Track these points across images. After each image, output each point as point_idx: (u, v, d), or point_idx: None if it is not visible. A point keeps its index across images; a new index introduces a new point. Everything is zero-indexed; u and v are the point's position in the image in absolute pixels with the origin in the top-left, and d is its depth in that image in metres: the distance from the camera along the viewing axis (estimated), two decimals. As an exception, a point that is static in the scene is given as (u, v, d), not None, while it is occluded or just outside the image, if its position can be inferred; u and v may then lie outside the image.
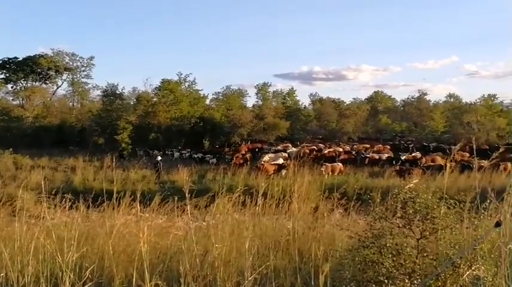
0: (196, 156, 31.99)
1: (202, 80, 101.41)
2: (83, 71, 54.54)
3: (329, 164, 24.18)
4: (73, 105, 55.37)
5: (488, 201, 4.38)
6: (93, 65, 54.38)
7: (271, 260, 4.65)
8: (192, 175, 22.25)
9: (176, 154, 33.36)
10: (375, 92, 57.96)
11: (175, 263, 4.73)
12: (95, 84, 55.60)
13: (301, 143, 36.69)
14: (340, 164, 25.00)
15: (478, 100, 46.31)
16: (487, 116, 39.69)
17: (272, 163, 25.46)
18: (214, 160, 28.98)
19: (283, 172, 21.92)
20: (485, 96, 46.69)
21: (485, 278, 3.49)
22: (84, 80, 55.34)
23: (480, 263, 3.55)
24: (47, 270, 4.44)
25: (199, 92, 43.59)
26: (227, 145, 37.42)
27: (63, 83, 55.33)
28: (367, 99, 55.76)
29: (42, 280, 4.33)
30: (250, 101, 56.80)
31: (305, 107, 53.35)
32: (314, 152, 30.33)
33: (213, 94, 52.18)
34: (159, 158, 27.01)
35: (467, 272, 3.51)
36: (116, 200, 6.31)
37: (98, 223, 6.41)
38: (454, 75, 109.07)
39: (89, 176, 23.10)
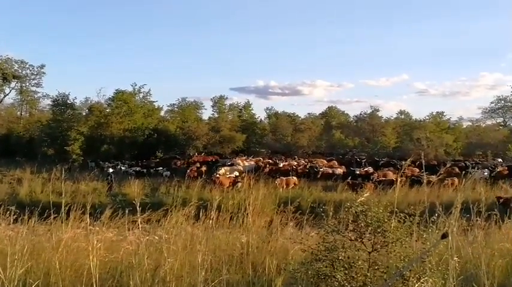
0: (132, 170, 30.71)
1: (158, 91, 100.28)
2: (33, 79, 52.35)
3: (284, 178, 24.33)
4: (21, 114, 53.30)
5: (436, 215, 4.51)
6: (44, 73, 52.31)
7: (224, 275, 4.60)
8: (144, 188, 21.84)
9: (122, 168, 31.69)
10: (328, 107, 59.20)
11: (126, 278, 4.60)
12: (45, 93, 53.42)
13: (257, 156, 36.75)
14: (295, 177, 25.20)
15: (427, 117, 48.26)
16: (436, 133, 41.17)
17: (228, 176, 25.35)
18: (168, 173, 28.53)
19: (239, 185, 21.88)
20: (434, 113, 48.68)
21: (433, 291, 3.57)
22: (33, 88, 53.13)
23: (428, 275, 3.63)
24: (-13, 287, 4.22)
25: (154, 103, 43.05)
26: (182, 157, 36.96)
27: (11, 91, 52.85)
28: (321, 114, 56.74)
29: (-18, 297, 4.11)
30: (206, 113, 56.76)
31: (261, 120, 53.72)
32: (269, 166, 30.45)
33: (168, 106, 51.84)
34: (111, 170, 26.44)
35: (416, 285, 3.58)
36: (65, 213, 6.10)
37: (45, 236, 6.16)
38: (405, 92, 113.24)
39: (36, 188, 22.24)
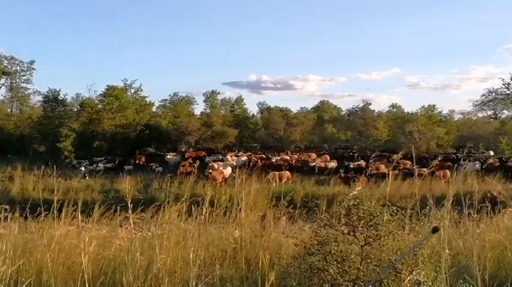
0: (104, 166, 30.78)
1: (149, 87, 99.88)
2: (23, 75, 51.85)
3: (276, 172, 24.37)
4: (12, 111, 52.82)
5: (428, 207, 4.53)
6: (34, 69, 51.85)
7: (217, 270, 4.59)
8: (137, 184, 21.82)
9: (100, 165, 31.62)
10: (321, 101, 59.10)
11: (119, 275, 4.58)
12: (35, 90, 53.00)
13: (250, 151, 36.74)
14: (288, 172, 25.25)
15: (418, 110, 48.37)
16: (427, 126, 41.30)
17: (220, 171, 25.35)
18: (160, 169, 28.50)
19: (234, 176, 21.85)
20: (425, 106, 48.85)
21: (425, 283, 3.58)
22: (24, 85, 52.67)
23: (420, 268, 3.65)
24: (-22, 286, 4.19)
25: (146, 99, 42.85)
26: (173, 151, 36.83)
27: (0, 87, 52.56)
28: (313, 108, 56.71)
29: (-27, 297, 4.08)
30: (198, 108, 56.66)
31: (253, 115, 53.58)
32: (261, 161, 30.48)
33: (160, 101, 51.60)
34: (83, 169, 27.24)
35: (409, 277, 3.60)
36: (57, 210, 6.05)
37: (37, 234, 6.11)
38: (397, 86, 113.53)
39: (28, 185, 22.14)
